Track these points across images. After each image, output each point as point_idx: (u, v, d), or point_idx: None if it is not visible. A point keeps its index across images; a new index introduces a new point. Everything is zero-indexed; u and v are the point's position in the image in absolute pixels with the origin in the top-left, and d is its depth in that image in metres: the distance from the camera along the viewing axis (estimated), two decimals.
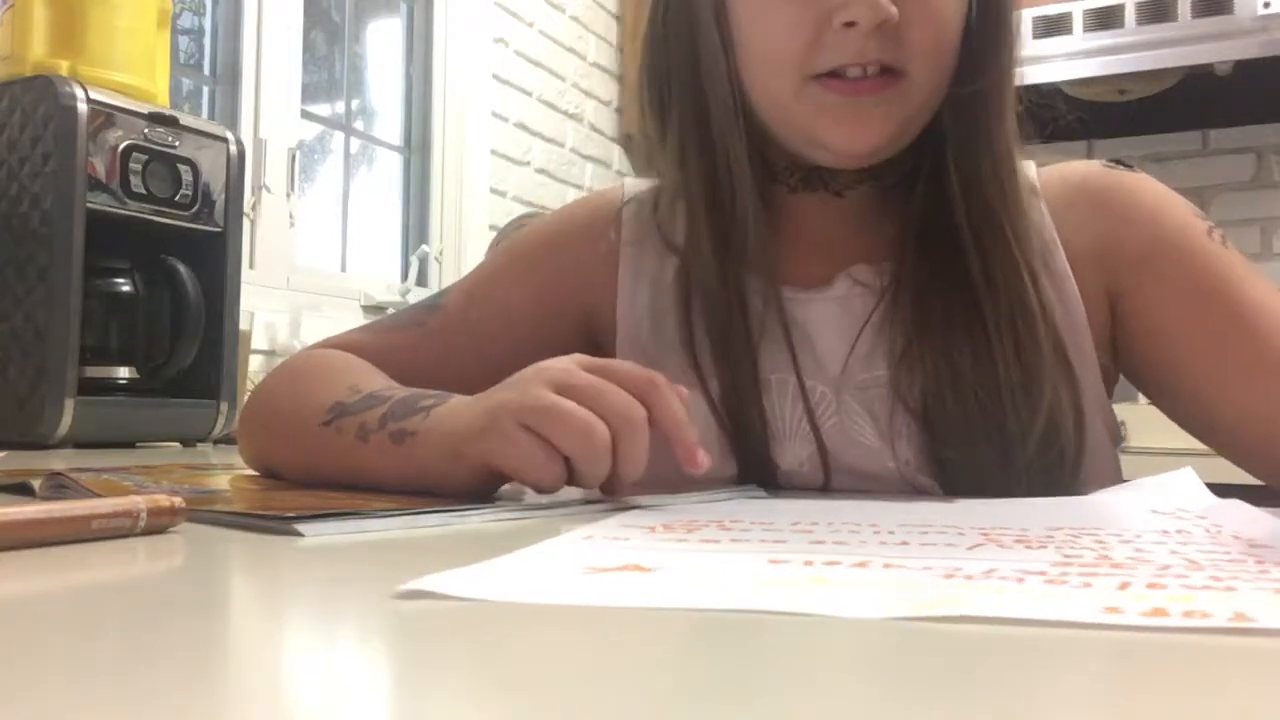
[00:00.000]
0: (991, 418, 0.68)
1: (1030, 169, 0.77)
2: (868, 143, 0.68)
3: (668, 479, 0.60)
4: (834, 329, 0.73)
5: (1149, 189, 0.76)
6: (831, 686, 0.23)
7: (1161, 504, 0.54)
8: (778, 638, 0.28)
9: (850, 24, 0.65)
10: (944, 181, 0.71)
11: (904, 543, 0.41)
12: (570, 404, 0.52)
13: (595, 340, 0.80)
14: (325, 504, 0.50)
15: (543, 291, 0.81)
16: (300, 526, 0.43)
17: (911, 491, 0.70)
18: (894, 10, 0.65)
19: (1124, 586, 0.32)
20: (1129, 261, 0.73)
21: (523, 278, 0.82)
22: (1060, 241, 0.74)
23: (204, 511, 0.47)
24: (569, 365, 0.55)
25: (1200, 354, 0.71)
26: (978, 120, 0.71)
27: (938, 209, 0.71)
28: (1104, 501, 0.56)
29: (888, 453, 0.70)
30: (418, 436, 0.57)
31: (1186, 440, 0.77)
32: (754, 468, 0.72)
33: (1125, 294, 0.73)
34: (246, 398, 0.79)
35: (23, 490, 0.55)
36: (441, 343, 0.79)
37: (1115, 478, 0.73)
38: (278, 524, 0.44)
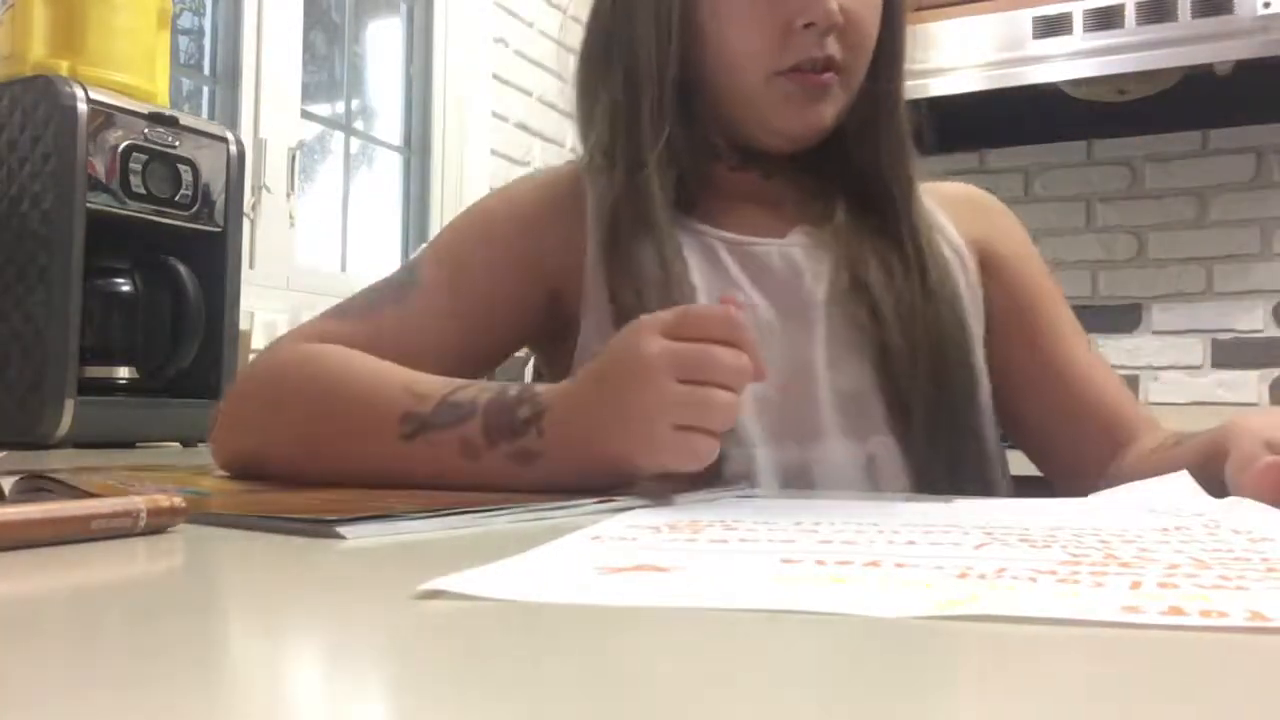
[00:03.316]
0: (923, 335, 0.79)
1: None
2: (815, 128, 0.81)
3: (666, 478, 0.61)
4: (794, 269, 0.82)
5: (1005, 209, 0.95)
6: (855, 684, 0.23)
7: (1159, 504, 0.54)
8: (798, 636, 0.28)
9: (809, 25, 0.78)
10: (853, 157, 0.85)
11: (911, 542, 0.41)
12: (710, 392, 0.57)
13: (557, 301, 0.83)
14: (344, 506, 0.50)
15: (521, 259, 0.83)
16: (342, 529, 0.43)
17: (861, 417, 0.78)
18: (839, 16, 0.78)
19: (1136, 586, 0.32)
20: (995, 258, 0.89)
21: (501, 248, 0.83)
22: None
23: (230, 515, 0.47)
24: (665, 343, 0.58)
25: (1019, 346, 0.87)
26: (897, 106, 0.85)
27: (862, 181, 0.85)
28: (1102, 502, 0.56)
29: (855, 371, 0.79)
30: (542, 458, 0.60)
31: None
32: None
33: (983, 276, 0.88)
34: (222, 403, 0.74)
35: None
36: (424, 318, 0.79)
37: (1000, 457, 0.85)
38: (318, 527, 0.43)
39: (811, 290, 0.81)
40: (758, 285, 0.81)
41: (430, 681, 0.23)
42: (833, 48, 0.79)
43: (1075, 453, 0.85)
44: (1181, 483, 0.58)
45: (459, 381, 0.65)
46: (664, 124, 0.81)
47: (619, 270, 0.79)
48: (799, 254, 0.83)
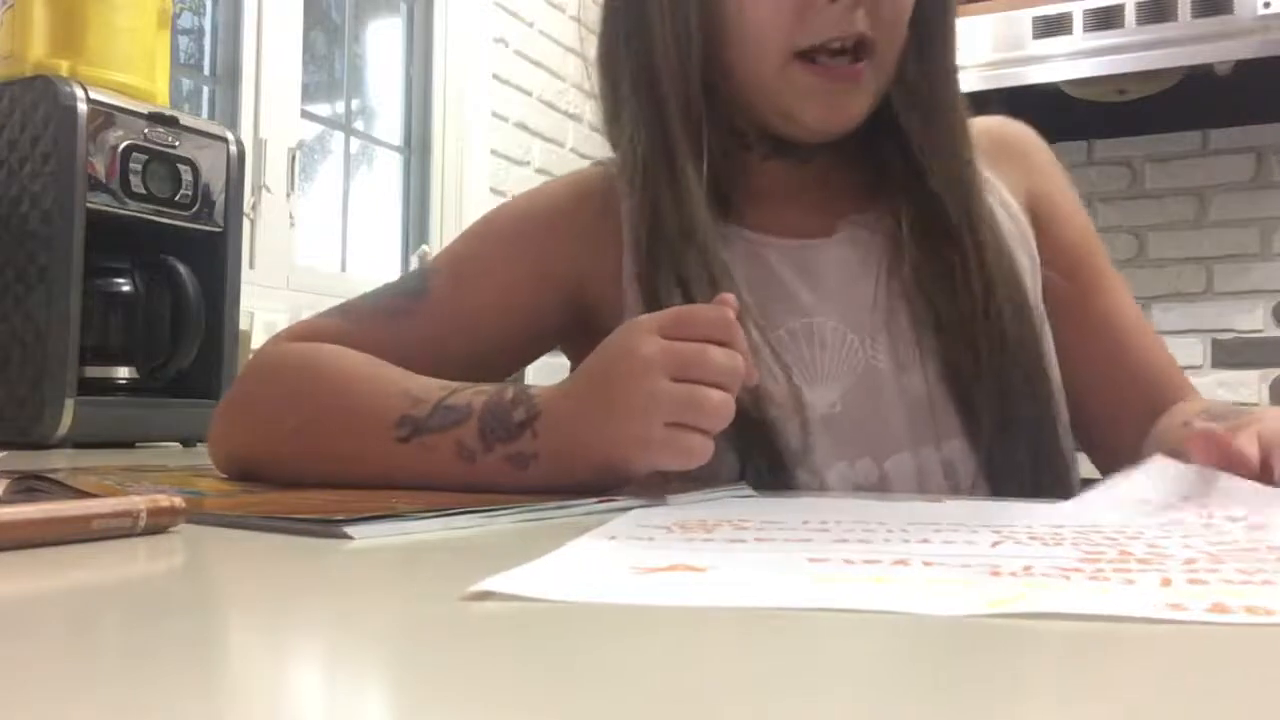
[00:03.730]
0: (986, 334, 0.75)
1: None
2: (845, 122, 0.75)
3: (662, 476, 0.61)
4: (851, 271, 0.77)
5: (1040, 143, 0.89)
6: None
7: (1146, 493, 0.54)
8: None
9: (832, 1, 0.71)
10: (904, 133, 0.78)
11: (925, 540, 0.41)
12: (704, 391, 0.56)
13: (586, 310, 0.80)
14: (346, 506, 0.50)
15: (541, 268, 0.79)
16: (348, 529, 0.43)
17: (929, 418, 0.74)
18: None
19: (1166, 583, 0.32)
20: (1045, 211, 0.84)
21: (519, 256, 0.80)
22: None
23: (235, 516, 0.47)
24: (661, 342, 0.58)
25: (1061, 303, 0.81)
26: (946, 78, 0.78)
27: (909, 159, 0.78)
28: (1092, 498, 0.56)
29: (918, 375, 0.75)
30: (538, 460, 0.59)
31: None
32: (782, 420, 0.73)
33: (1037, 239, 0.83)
34: (222, 403, 0.73)
35: None
36: (432, 329, 0.77)
37: (1071, 450, 0.81)
38: (322, 527, 0.43)
39: (869, 292, 0.76)
40: (814, 291, 0.76)
41: (423, 682, 0.23)
42: (862, 23, 0.72)
43: (1115, 412, 0.81)
44: (1159, 468, 0.57)
45: (456, 385, 0.64)
46: (694, 123, 0.76)
47: (663, 284, 0.75)
48: (851, 253, 0.78)
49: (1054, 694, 0.23)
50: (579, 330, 0.80)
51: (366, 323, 0.77)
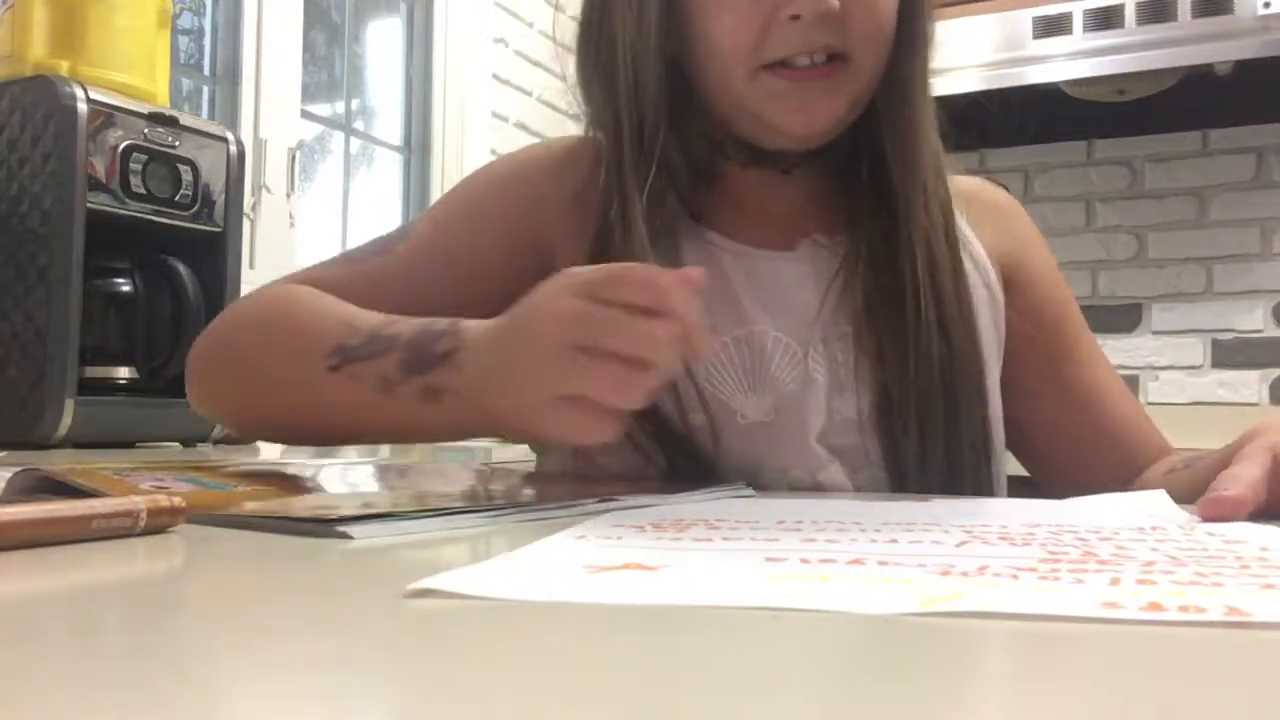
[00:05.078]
0: (928, 375, 0.74)
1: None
2: (816, 127, 0.74)
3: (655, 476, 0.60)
4: (801, 286, 0.77)
5: (1024, 214, 0.89)
6: (839, 681, 0.23)
7: (1134, 507, 0.54)
8: (785, 634, 0.28)
9: (795, 16, 0.70)
10: (883, 159, 0.77)
11: (893, 540, 0.42)
12: (607, 364, 0.51)
13: (553, 261, 0.78)
14: (346, 506, 0.50)
15: (512, 219, 0.80)
16: (346, 529, 0.43)
17: (859, 442, 0.74)
18: (835, 2, 0.70)
19: (1115, 582, 0.33)
20: (1019, 275, 0.83)
21: (493, 207, 0.81)
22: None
23: (232, 515, 0.47)
24: (577, 303, 0.52)
25: (1033, 365, 0.82)
26: (909, 99, 0.76)
27: (882, 185, 0.77)
28: (1078, 503, 0.56)
29: (851, 403, 0.74)
30: (449, 395, 0.56)
31: None
32: (713, 419, 0.73)
33: (1008, 304, 0.82)
34: (198, 337, 0.75)
35: None
36: (409, 268, 0.78)
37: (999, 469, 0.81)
38: (324, 527, 0.43)
39: (815, 312, 0.76)
40: (761, 302, 0.76)
41: (425, 682, 0.23)
42: (830, 37, 0.71)
43: (1089, 476, 0.80)
44: (1157, 499, 0.58)
45: (400, 318, 0.62)
46: (648, 152, 0.75)
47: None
48: (805, 269, 0.77)
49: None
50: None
51: (353, 265, 0.79)
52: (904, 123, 0.76)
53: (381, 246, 0.80)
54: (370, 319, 0.64)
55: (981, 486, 0.76)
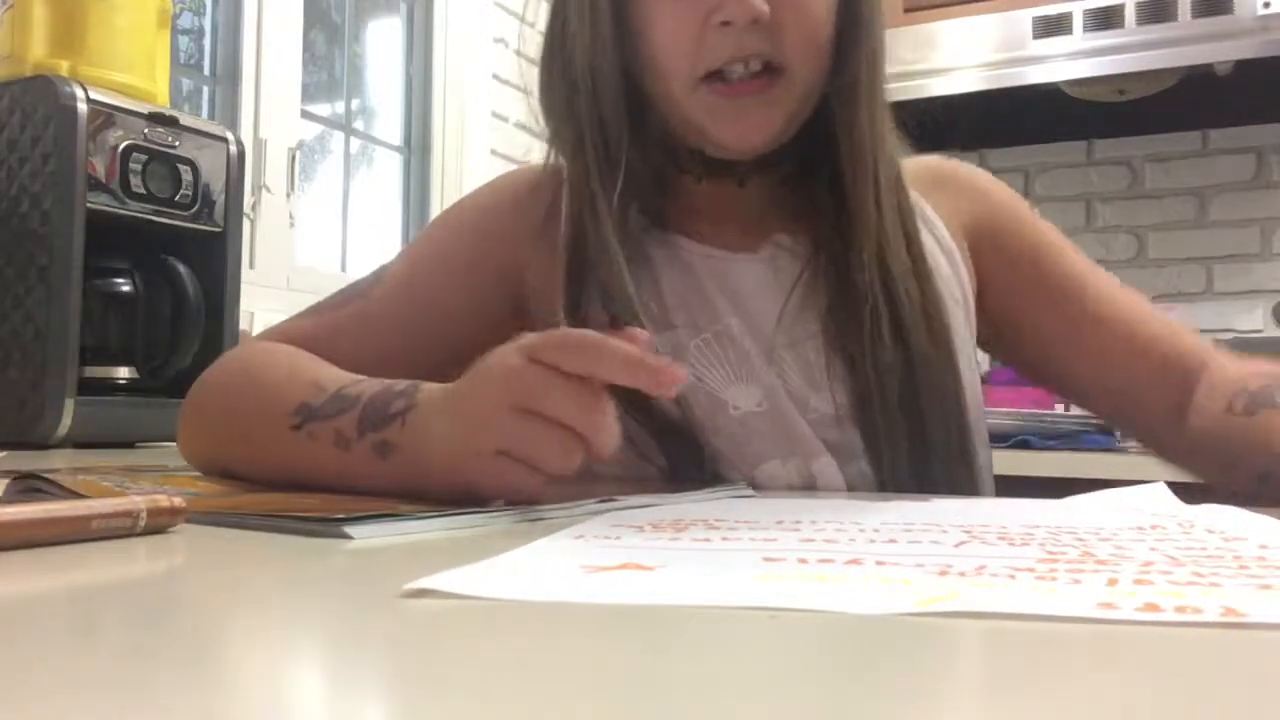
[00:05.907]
0: (908, 374, 0.75)
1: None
2: (755, 139, 0.75)
3: (655, 477, 0.60)
4: (765, 289, 0.78)
5: (980, 172, 0.89)
6: (837, 681, 0.23)
7: (1134, 505, 0.55)
8: (782, 634, 0.28)
9: (726, 23, 0.71)
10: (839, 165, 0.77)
11: (891, 540, 0.42)
12: (537, 427, 0.52)
13: (525, 302, 0.81)
14: (345, 506, 0.50)
15: (478, 255, 0.82)
16: (348, 529, 0.43)
17: (840, 437, 0.75)
18: (765, 8, 0.70)
19: (1112, 582, 0.33)
20: (985, 236, 0.84)
21: (459, 244, 0.83)
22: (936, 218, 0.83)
23: (232, 515, 0.47)
24: (520, 366, 0.53)
25: (1045, 309, 0.82)
26: (857, 108, 0.76)
27: (841, 188, 0.77)
28: (1078, 503, 0.57)
29: (827, 400, 0.75)
30: (397, 451, 0.57)
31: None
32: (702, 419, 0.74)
33: (980, 258, 0.84)
34: (189, 392, 0.76)
35: None
36: (387, 313, 0.79)
37: (989, 476, 0.82)
38: (324, 527, 0.43)
39: (782, 312, 0.77)
40: (732, 302, 0.77)
41: (424, 682, 0.23)
42: (762, 44, 0.72)
43: (1138, 396, 0.80)
44: (1157, 492, 0.58)
45: (365, 378, 0.63)
46: (612, 152, 0.76)
47: (585, 290, 0.76)
48: (767, 271, 0.79)
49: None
50: (518, 325, 0.79)
51: (326, 314, 0.80)
52: (853, 130, 0.76)
53: (358, 291, 0.82)
54: (337, 378, 0.64)
55: (958, 485, 0.76)
